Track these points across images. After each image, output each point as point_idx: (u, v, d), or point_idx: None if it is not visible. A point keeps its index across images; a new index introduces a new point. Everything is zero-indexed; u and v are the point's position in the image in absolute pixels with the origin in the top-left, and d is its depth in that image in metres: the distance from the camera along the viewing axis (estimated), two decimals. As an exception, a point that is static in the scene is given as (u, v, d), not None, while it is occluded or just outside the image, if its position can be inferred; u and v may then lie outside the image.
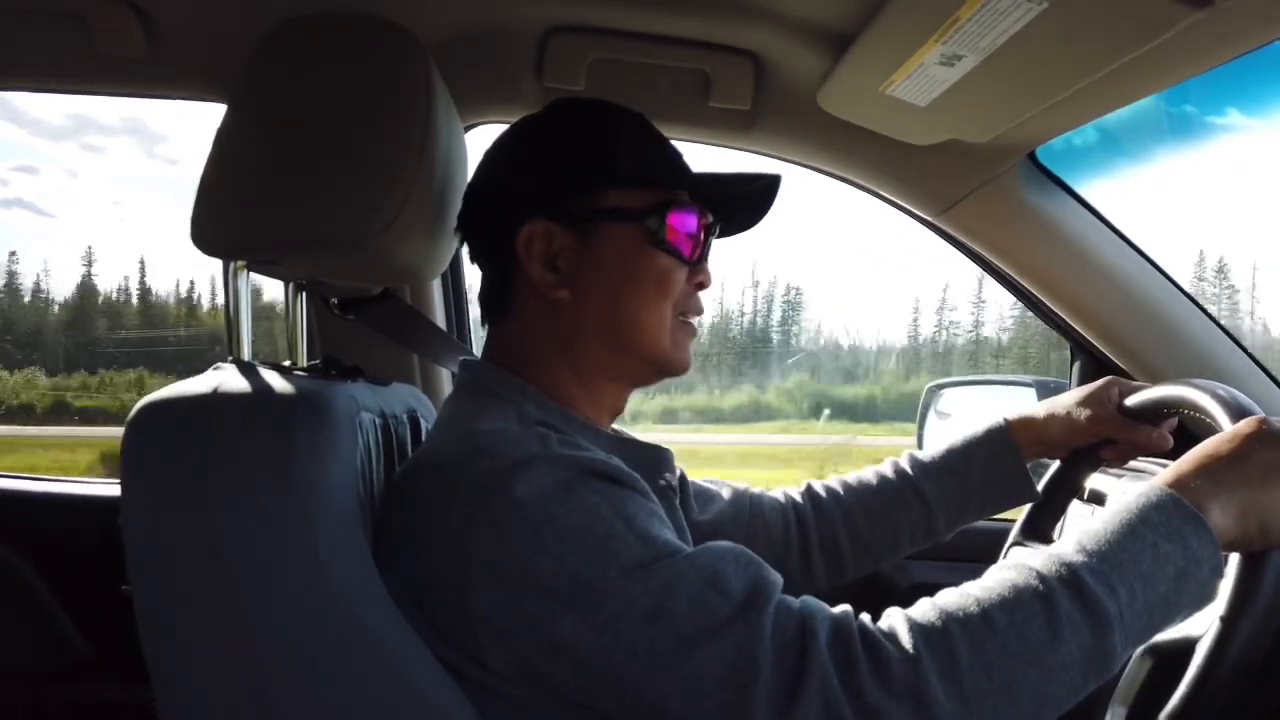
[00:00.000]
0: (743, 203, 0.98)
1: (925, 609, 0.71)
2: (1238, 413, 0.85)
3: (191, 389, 0.77)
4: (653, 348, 0.91)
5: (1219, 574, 0.73)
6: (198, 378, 0.80)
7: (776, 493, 1.18)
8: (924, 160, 1.38)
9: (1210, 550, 0.72)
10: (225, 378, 0.79)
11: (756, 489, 1.18)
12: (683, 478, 1.09)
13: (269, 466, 0.72)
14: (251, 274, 0.93)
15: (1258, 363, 1.49)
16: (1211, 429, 0.87)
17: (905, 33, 1.01)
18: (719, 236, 0.98)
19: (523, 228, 0.89)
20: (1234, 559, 0.80)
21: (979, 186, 1.42)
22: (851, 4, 1.07)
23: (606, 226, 0.89)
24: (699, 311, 0.95)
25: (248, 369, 0.83)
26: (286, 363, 0.98)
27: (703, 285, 0.94)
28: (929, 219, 1.53)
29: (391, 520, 0.81)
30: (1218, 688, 0.77)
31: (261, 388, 0.78)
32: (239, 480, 0.72)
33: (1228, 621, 0.78)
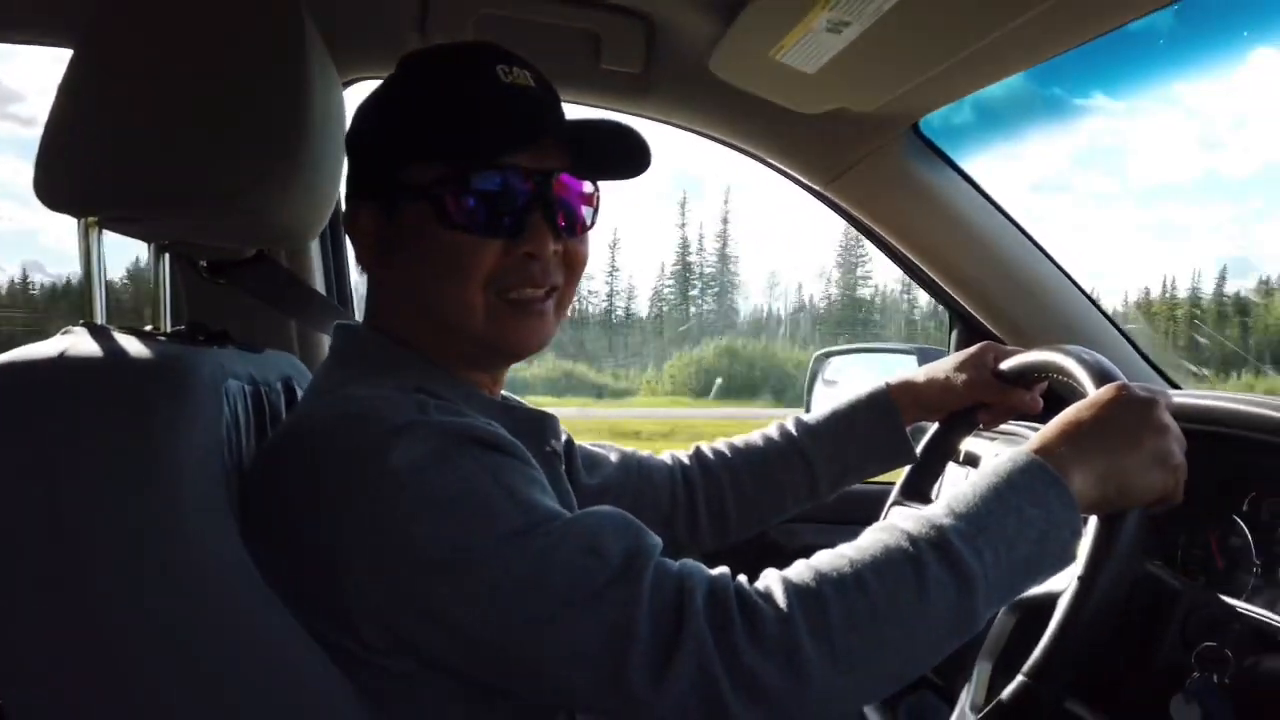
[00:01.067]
0: (608, 152, 0.88)
1: (800, 570, 0.72)
2: (1101, 377, 0.89)
3: (35, 353, 0.71)
4: (464, 330, 0.85)
5: (1079, 536, 0.77)
6: (44, 342, 0.74)
7: (664, 456, 1.19)
8: (813, 129, 1.40)
9: (1071, 514, 0.75)
10: (75, 341, 0.73)
11: (645, 453, 1.19)
12: (569, 442, 1.08)
13: (122, 435, 0.67)
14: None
15: (1119, 329, 1.58)
16: (1077, 393, 0.91)
17: (793, -2, 1.01)
18: (604, 179, 0.90)
19: (351, 204, 0.89)
20: (1093, 520, 0.84)
21: (865, 156, 1.45)
22: None
23: (404, 205, 0.84)
24: (537, 284, 0.85)
25: (100, 333, 0.77)
26: (148, 328, 0.91)
27: (533, 256, 0.84)
28: (817, 188, 1.55)
29: (262, 490, 0.77)
30: (1076, 640, 0.81)
31: (115, 352, 0.72)
32: (89, 450, 0.67)
33: (1085, 579, 0.82)
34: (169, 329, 0.95)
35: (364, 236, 0.88)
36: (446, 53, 0.88)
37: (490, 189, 0.82)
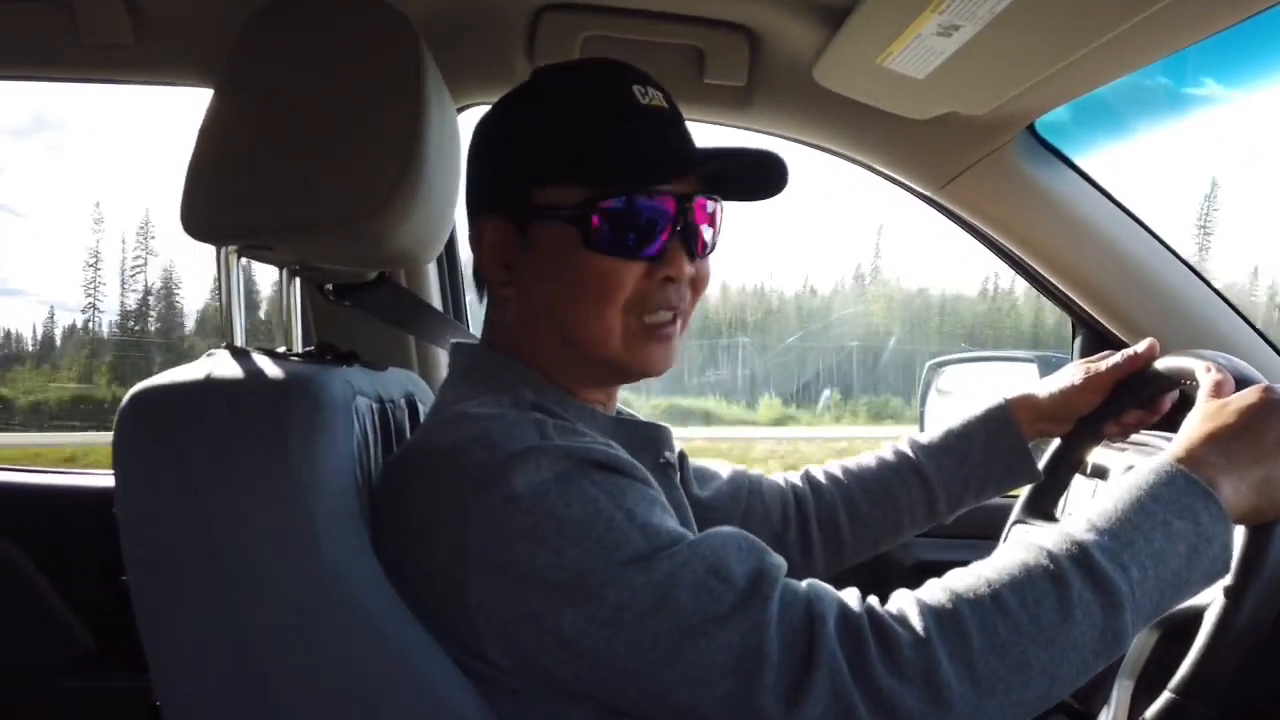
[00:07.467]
0: (740, 176, 0.87)
1: (935, 591, 0.70)
2: (1241, 383, 0.84)
3: (183, 376, 0.76)
4: (599, 352, 0.85)
5: (1230, 550, 0.72)
6: (190, 365, 0.79)
7: (775, 476, 1.17)
8: (923, 134, 1.37)
9: (1222, 526, 0.71)
10: (218, 364, 0.78)
11: (755, 471, 1.18)
12: (682, 456, 1.08)
13: (262, 451, 0.72)
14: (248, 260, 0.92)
15: (1259, 332, 1.48)
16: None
17: (902, 3, 0.99)
18: (734, 200, 0.90)
19: (477, 221, 0.89)
20: (1239, 529, 0.79)
21: (978, 160, 1.41)
22: None
23: (541, 225, 0.84)
24: (672, 306, 0.85)
25: (241, 355, 0.82)
26: (281, 349, 0.97)
27: (671, 279, 0.84)
28: (928, 194, 1.52)
29: (388, 507, 0.80)
30: (1224, 659, 0.77)
31: (254, 373, 0.77)
32: (232, 465, 0.71)
33: (1233, 594, 0.77)
34: (300, 350, 1.01)
35: (491, 254, 0.88)
36: (582, 70, 0.88)
37: (637, 213, 0.81)
